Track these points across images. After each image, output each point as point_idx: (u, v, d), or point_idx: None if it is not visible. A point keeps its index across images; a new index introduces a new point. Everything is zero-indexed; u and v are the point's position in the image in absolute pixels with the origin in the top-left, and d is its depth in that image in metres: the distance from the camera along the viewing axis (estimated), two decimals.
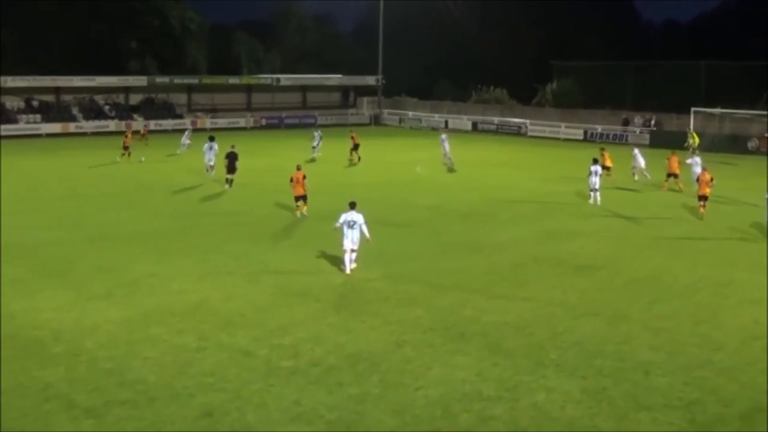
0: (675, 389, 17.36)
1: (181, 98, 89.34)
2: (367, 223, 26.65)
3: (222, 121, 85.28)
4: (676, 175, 46.25)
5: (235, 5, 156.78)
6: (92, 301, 23.26)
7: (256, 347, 19.56)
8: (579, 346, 19.98)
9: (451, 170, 53.61)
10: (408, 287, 25.23)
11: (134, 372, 17.95)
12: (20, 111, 79.85)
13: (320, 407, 16.29)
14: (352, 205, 26.78)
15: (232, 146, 45.09)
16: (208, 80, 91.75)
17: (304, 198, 36.43)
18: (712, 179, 38.22)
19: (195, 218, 36.55)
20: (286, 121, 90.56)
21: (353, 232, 26.37)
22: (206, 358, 18.80)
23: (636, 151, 51.76)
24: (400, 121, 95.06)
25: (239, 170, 44.49)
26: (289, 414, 16.03)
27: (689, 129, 65.60)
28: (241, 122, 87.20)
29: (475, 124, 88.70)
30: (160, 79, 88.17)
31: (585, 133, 78.71)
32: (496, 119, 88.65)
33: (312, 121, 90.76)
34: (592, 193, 41.02)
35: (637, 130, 77.06)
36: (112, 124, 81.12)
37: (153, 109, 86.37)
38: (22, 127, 77.68)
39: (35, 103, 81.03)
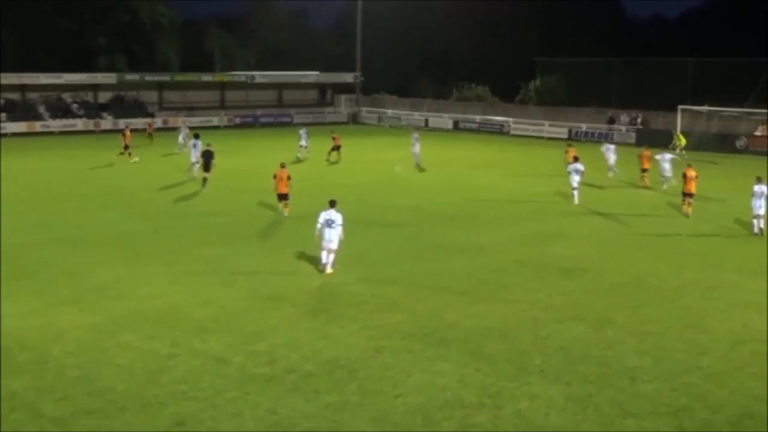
0: (662, 395, 17.43)
1: (152, 96, 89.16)
2: (344, 223, 26.77)
3: (194, 120, 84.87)
4: (645, 170, 47.51)
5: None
6: (59, 306, 23.14)
7: (230, 354, 19.50)
8: (563, 351, 20.03)
9: (421, 169, 53.90)
10: (387, 291, 25.23)
11: (103, 380, 17.86)
12: None
13: (297, 416, 16.26)
14: (332, 204, 26.98)
15: (208, 144, 45.26)
16: (180, 77, 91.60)
17: (287, 197, 36.73)
18: (696, 176, 38.72)
19: (168, 220, 36.46)
20: (261, 119, 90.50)
21: (332, 232, 26.57)
22: (178, 366, 18.74)
23: (606, 147, 53.50)
24: (379, 119, 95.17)
25: (215, 170, 44.49)
26: (264, 423, 15.99)
27: (675, 130, 66.02)
28: (215, 121, 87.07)
29: (456, 123, 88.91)
30: (131, 77, 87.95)
31: (570, 131, 78.90)
32: (477, 117, 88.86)
33: (288, 119, 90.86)
34: (574, 192, 41.60)
35: (623, 129, 77.47)
36: (80, 123, 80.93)
37: (123, 107, 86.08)
38: None
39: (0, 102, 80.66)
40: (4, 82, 79.44)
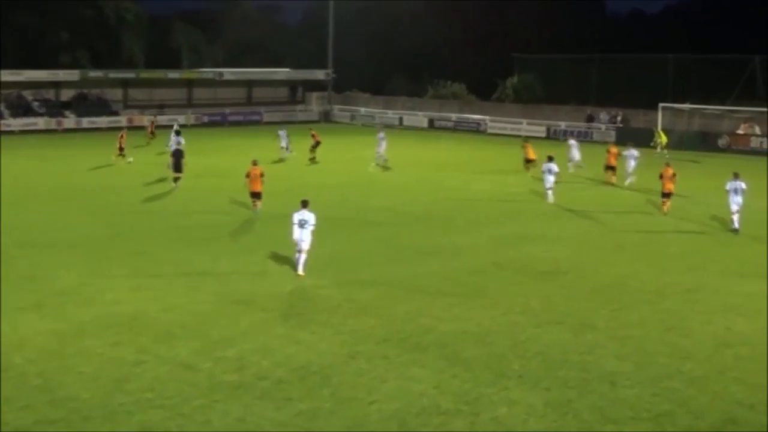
0: (643, 401, 17.52)
1: (116, 94, 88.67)
2: (317, 223, 27.01)
3: (161, 118, 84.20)
4: (611, 168, 48.81)
5: None
6: (21, 312, 22.95)
7: (198, 360, 19.44)
8: (542, 356, 20.10)
9: (385, 168, 54.17)
10: (361, 294, 25.24)
11: (67, 389, 17.76)
12: None
13: (267, 424, 16.24)
14: (305, 204, 27.24)
15: (179, 143, 45.53)
16: (145, 74, 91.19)
17: (260, 195, 37.32)
18: (674, 175, 39.58)
19: (136, 221, 36.33)
20: (230, 118, 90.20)
21: (303, 232, 26.84)
22: (145, 373, 18.66)
23: (570, 142, 54.95)
24: (352, 117, 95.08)
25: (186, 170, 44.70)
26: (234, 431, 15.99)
27: (656, 128, 66.39)
28: (182, 119, 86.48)
29: (431, 121, 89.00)
30: (94, 74, 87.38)
31: (548, 130, 79.24)
32: (453, 116, 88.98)
33: (257, 118, 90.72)
34: (549, 192, 42.09)
35: (603, 127, 77.76)
36: (41, 122, 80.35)
37: (86, 105, 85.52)
38: None
39: None
40: None
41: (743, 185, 35.66)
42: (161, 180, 45.83)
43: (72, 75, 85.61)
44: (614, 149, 49.81)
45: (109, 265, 28.47)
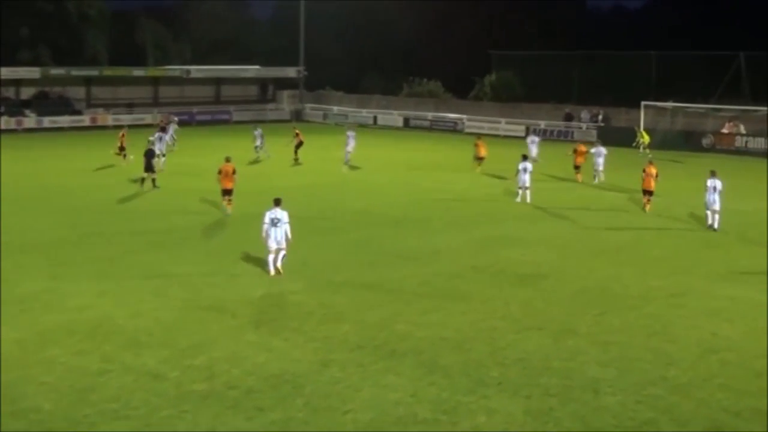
0: (626, 408, 17.58)
1: (79, 92, 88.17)
2: (290, 222, 27.24)
3: (126, 118, 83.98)
4: (577, 167, 50.21)
5: None
6: None
7: (165, 369, 19.37)
8: (522, 362, 20.13)
9: (352, 168, 54.46)
10: (334, 300, 25.21)
11: (28, 399, 17.65)
12: None
13: None
14: (277, 202, 27.56)
15: (151, 143, 46.05)
16: (109, 72, 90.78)
17: (231, 192, 37.88)
18: (657, 174, 40.52)
19: (103, 223, 36.21)
20: (198, 117, 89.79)
21: (278, 231, 27.03)
22: (110, 382, 18.57)
23: (531, 139, 57.80)
24: (324, 116, 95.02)
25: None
26: None
27: (639, 127, 66.70)
28: (148, 118, 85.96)
29: (407, 120, 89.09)
30: (56, 71, 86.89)
31: (527, 129, 79.32)
32: (429, 114, 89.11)
33: (226, 117, 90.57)
34: (520, 191, 42.68)
35: (584, 126, 78.00)
36: (0, 121, 79.80)
37: (47, 104, 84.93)
38: None
39: None
40: None
41: (719, 184, 36.39)
42: (136, 180, 45.77)
43: (32, 72, 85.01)
44: (582, 148, 51.16)
45: (73, 269, 28.37)
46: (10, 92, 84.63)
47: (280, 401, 17.69)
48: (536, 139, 59.72)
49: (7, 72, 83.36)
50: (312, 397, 17.91)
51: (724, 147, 67.69)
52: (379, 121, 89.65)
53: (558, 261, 30.71)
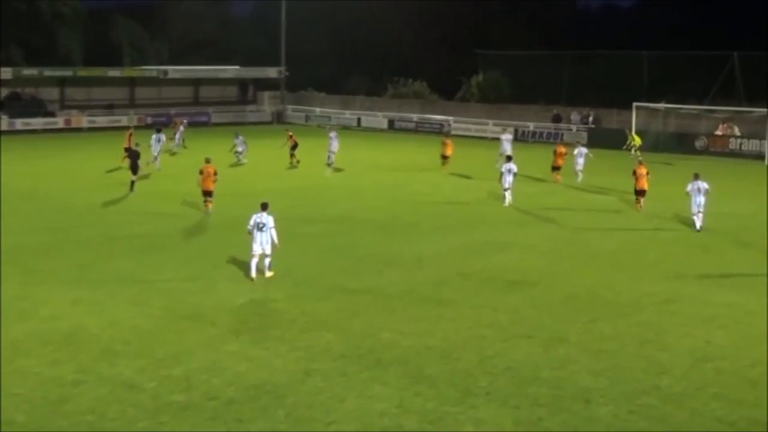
0: (618, 419, 17.61)
1: (52, 93, 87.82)
2: (276, 226, 27.36)
3: (101, 120, 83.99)
4: (556, 168, 50.95)
5: None
6: None
7: (142, 379, 19.33)
8: (511, 372, 20.15)
9: (336, 170, 54.65)
10: (317, 308, 25.19)
11: (0, 411, 17.57)
12: None
13: None
14: (264, 206, 27.71)
15: (137, 144, 46.57)
16: (84, 72, 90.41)
17: (212, 194, 38.44)
18: (648, 173, 41.22)
19: (80, 227, 36.18)
20: (176, 119, 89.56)
21: (263, 235, 27.25)
22: (85, 393, 18.52)
23: (505, 137, 58.88)
24: (307, 118, 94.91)
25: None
26: None
27: (630, 129, 66.81)
28: (124, 120, 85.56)
29: (391, 122, 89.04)
30: (28, 71, 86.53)
31: (516, 131, 79.23)
32: (415, 116, 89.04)
33: (205, 119, 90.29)
34: (506, 193, 42.92)
35: (574, 128, 78.01)
36: None
37: (19, 105, 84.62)
38: None
39: None
40: None
41: (705, 185, 36.92)
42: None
43: (4, 73, 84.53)
44: (562, 149, 51.96)
45: (48, 276, 28.27)
46: None
47: (261, 412, 17.67)
48: (509, 136, 60.76)
49: None
50: (294, 408, 17.89)
51: (718, 149, 67.77)
52: (363, 123, 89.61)
53: (547, 266, 30.75)
